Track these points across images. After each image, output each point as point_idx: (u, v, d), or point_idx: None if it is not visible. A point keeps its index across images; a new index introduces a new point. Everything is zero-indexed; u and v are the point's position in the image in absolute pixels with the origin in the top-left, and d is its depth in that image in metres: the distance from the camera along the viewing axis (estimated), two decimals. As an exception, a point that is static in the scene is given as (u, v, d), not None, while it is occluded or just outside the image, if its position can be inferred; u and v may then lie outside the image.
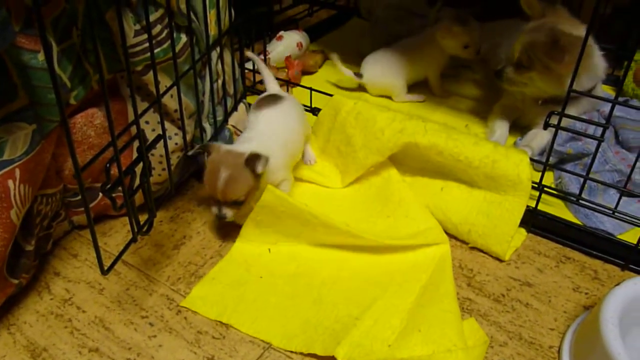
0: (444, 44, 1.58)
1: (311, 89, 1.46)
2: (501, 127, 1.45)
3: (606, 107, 1.49)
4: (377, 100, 1.63)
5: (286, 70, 1.67)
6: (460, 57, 1.60)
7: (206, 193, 1.12)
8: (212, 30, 1.18)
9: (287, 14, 2.13)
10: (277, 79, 1.42)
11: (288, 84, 1.58)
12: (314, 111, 1.43)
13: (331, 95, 1.34)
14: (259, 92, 1.55)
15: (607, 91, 1.69)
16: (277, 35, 1.76)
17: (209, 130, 1.27)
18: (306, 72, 1.76)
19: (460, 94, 1.68)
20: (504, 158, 1.15)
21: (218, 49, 1.25)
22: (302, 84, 1.64)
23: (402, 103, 1.62)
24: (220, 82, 1.29)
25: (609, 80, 1.72)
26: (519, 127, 1.49)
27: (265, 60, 1.68)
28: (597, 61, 1.36)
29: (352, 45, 1.89)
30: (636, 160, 1.10)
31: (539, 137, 1.35)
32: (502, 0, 2.03)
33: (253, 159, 1.04)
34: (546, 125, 1.08)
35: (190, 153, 1.11)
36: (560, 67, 1.24)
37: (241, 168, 1.04)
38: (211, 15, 1.17)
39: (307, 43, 1.82)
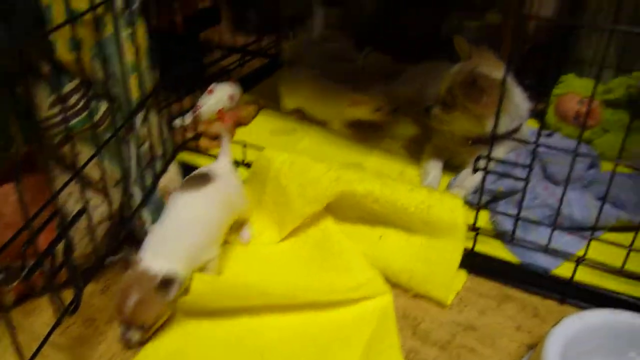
0: (355, 114, 1.66)
1: (244, 144, 1.48)
2: (434, 168, 1.50)
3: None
4: (311, 151, 1.66)
5: (219, 123, 1.69)
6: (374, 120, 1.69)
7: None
8: (135, 94, 1.19)
9: (221, 64, 2.16)
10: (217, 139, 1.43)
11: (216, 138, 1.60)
12: (249, 165, 1.45)
13: (262, 148, 1.37)
14: (191, 150, 1.57)
15: (533, 125, 1.79)
16: (208, 88, 1.78)
17: (138, 195, 1.27)
18: (240, 123, 1.78)
19: (393, 137, 1.74)
20: (438, 203, 1.19)
21: (143, 111, 1.26)
22: (236, 136, 1.67)
23: (337, 146, 1.67)
24: (147, 145, 1.29)
25: (533, 114, 1.82)
26: (452, 167, 1.54)
27: (195, 115, 1.70)
28: (519, 102, 1.44)
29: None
30: (563, 194, 1.16)
31: (471, 178, 1.41)
32: (431, 43, 2.15)
33: (166, 284, 1.01)
34: (475, 170, 1.13)
35: (113, 259, 1.10)
36: (478, 107, 1.32)
37: (153, 292, 1.01)
38: (132, 79, 1.18)
39: (239, 94, 1.84)
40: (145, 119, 1.28)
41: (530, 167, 1.08)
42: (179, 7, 1.98)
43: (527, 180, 1.10)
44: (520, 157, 1.45)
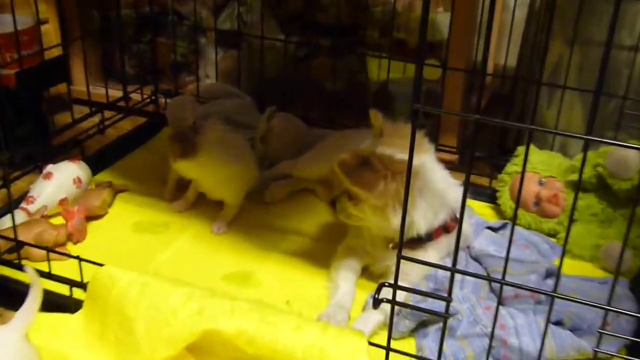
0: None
1: (79, 259, 1.40)
2: (346, 280, 1.47)
3: (479, 242, 1.56)
4: (188, 255, 1.60)
5: (64, 222, 1.60)
6: None
7: None
8: None
9: (73, 131, 2.10)
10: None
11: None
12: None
13: (101, 264, 1.30)
14: (11, 265, 1.47)
15: (484, 211, 1.79)
16: (44, 172, 1.71)
17: None
18: (92, 217, 1.71)
19: (299, 232, 1.70)
20: (334, 346, 1.13)
21: None
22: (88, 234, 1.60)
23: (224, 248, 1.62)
24: None
25: (484, 196, 1.83)
26: (373, 276, 1.50)
27: (28, 211, 1.61)
28: (443, 188, 1.42)
29: (157, 167, 1.88)
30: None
31: (371, 314, 1.35)
32: (358, 102, 2.16)
33: None
34: (376, 303, 1.08)
35: None
36: (372, 196, 1.30)
37: None
38: None
39: (88, 176, 1.77)
40: None
41: (447, 300, 1.04)
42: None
43: (446, 316, 1.06)
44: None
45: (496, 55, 2.32)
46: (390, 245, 1.44)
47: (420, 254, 1.40)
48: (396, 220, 1.34)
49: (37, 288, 1.20)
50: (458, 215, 1.43)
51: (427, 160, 1.40)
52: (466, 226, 1.49)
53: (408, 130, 1.42)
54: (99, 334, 1.30)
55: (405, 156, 1.31)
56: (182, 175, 1.69)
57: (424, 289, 1.38)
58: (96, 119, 2.18)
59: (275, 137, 1.94)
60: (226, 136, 1.69)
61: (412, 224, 1.37)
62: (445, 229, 1.43)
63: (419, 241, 1.41)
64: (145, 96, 2.31)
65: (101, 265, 1.31)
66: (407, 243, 1.40)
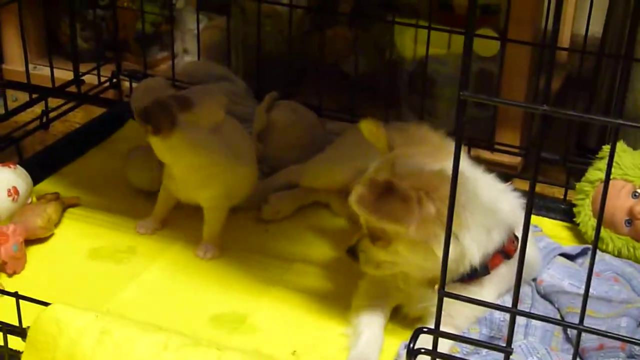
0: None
1: (17, 296, 1.42)
2: (371, 325, 1.48)
3: (550, 273, 1.57)
4: (160, 291, 1.62)
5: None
6: None
7: None
8: None
9: (7, 125, 2.12)
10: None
11: None
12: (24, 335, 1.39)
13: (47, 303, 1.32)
14: None
15: (557, 232, 1.80)
16: (-34, 182, 1.73)
17: None
18: (34, 240, 1.73)
19: (305, 259, 1.72)
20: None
21: None
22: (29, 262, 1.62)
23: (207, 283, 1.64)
24: None
25: (558, 212, 1.85)
26: (406, 320, 1.52)
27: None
28: (495, 198, 1.44)
29: (119, 173, 1.91)
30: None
31: None
32: (386, 86, 2.18)
33: None
34: (412, 355, 1.10)
35: None
36: (411, 229, 1.32)
37: None
38: None
39: (27, 185, 1.79)
40: None
41: (507, 352, 1.05)
42: None
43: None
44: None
45: (574, 23, 2.33)
46: (436, 286, 1.45)
47: (473, 292, 1.42)
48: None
49: None
50: (518, 234, 1.46)
51: (465, 165, 1.41)
52: (532, 252, 1.49)
53: (423, 134, 1.48)
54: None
55: (436, 166, 1.36)
56: (157, 156, 1.70)
57: (475, 336, 1.39)
58: (38, 109, 2.20)
59: (276, 133, 1.97)
60: (227, 122, 1.72)
61: (462, 253, 1.38)
62: (504, 254, 1.44)
63: (473, 275, 1.43)
64: (103, 79, 2.33)
65: (46, 304, 1.32)
66: (458, 280, 1.42)
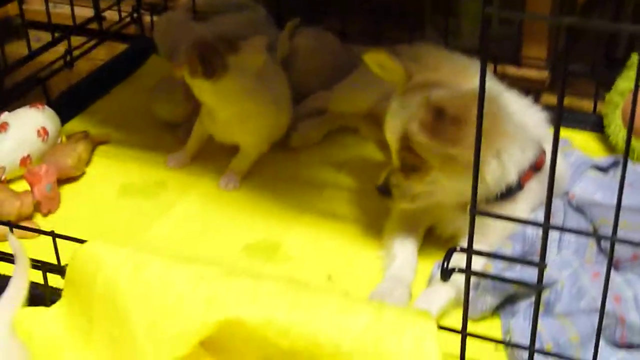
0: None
1: (53, 235, 1.44)
2: (405, 246, 1.49)
3: (582, 186, 1.57)
4: (192, 224, 1.63)
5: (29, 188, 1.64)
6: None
7: None
8: None
9: (31, 66, 2.12)
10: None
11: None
12: (62, 272, 1.41)
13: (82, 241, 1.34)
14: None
15: (588, 144, 1.80)
16: (-3, 122, 1.75)
17: None
18: (66, 179, 1.75)
19: (335, 185, 1.73)
20: (392, 333, 1.15)
21: None
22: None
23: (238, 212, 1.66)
24: None
25: (587, 123, 1.84)
26: (440, 240, 1.53)
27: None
28: (523, 114, 1.45)
29: (147, 108, 1.92)
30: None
31: (436, 291, 1.39)
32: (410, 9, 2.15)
33: None
34: (446, 274, 1.11)
35: None
36: (464, 148, 1.30)
37: None
38: None
39: (56, 125, 1.81)
40: None
41: (540, 266, 1.05)
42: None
43: (539, 288, 1.08)
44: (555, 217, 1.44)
45: None
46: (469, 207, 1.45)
47: (508, 208, 1.42)
48: (490, 174, 1.37)
49: (23, 265, 1.23)
50: (545, 147, 1.46)
51: (490, 84, 1.40)
52: (560, 165, 1.48)
53: (437, 57, 1.46)
54: (85, 332, 1.34)
55: (469, 86, 1.33)
56: (196, 95, 1.70)
57: (509, 252, 1.39)
58: (61, 48, 2.19)
59: (301, 60, 1.97)
60: (267, 65, 1.72)
61: (502, 173, 1.38)
62: (534, 168, 1.44)
63: (507, 194, 1.42)
64: (124, 14, 2.33)
65: (82, 241, 1.34)
66: (493, 199, 1.42)
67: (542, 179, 1.45)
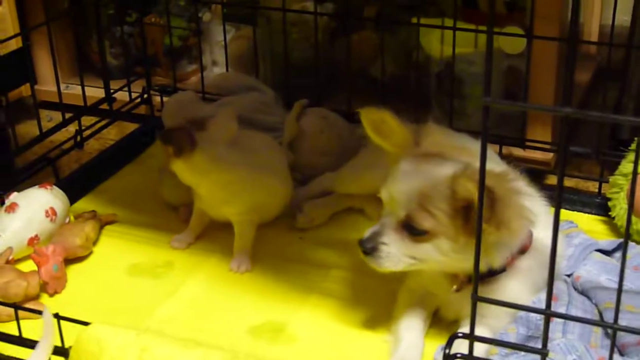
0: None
1: (58, 317, 1.44)
2: (411, 330, 1.48)
3: (587, 269, 1.57)
4: (199, 305, 1.63)
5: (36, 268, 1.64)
6: None
7: None
8: None
9: (42, 146, 2.14)
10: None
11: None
12: (66, 355, 1.41)
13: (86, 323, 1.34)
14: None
15: (593, 227, 1.80)
16: (6, 203, 1.75)
17: None
18: (73, 259, 1.75)
19: (341, 266, 1.73)
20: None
21: None
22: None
23: (244, 294, 1.65)
24: None
25: (593, 206, 1.85)
26: (442, 323, 1.53)
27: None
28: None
29: (155, 189, 1.94)
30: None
31: None
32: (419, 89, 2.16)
33: None
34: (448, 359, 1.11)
35: None
36: (503, 228, 1.29)
37: None
38: None
39: (64, 205, 1.82)
40: None
41: (543, 353, 1.06)
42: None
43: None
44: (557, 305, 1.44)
45: (602, 13, 2.29)
46: (454, 287, 1.45)
47: (497, 290, 1.42)
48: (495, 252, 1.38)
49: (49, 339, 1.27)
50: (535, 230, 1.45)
51: (494, 165, 1.39)
52: (562, 245, 1.49)
53: (437, 134, 1.47)
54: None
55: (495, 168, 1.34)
56: (179, 178, 1.73)
57: (512, 336, 1.39)
58: (72, 128, 2.22)
59: (307, 141, 1.99)
60: (244, 134, 1.75)
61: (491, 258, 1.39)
62: (521, 251, 1.44)
63: (490, 274, 1.42)
64: (134, 95, 2.35)
65: (86, 324, 1.34)
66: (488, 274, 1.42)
67: (530, 257, 1.45)
